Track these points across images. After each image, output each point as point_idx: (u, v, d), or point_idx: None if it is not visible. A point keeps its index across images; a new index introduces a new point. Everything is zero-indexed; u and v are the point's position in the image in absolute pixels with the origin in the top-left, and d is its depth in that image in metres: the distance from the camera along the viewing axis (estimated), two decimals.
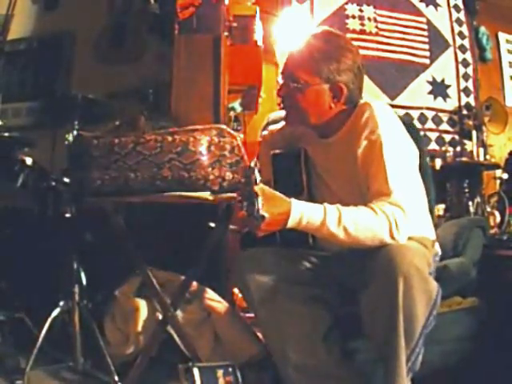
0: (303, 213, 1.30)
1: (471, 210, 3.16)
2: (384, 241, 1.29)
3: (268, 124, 2.28)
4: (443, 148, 3.71)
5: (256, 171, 1.26)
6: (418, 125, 3.63)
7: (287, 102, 1.52)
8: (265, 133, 1.83)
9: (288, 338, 1.43)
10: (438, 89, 3.80)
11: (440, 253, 1.60)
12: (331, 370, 1.41)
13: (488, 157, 3.64)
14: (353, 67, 1.48)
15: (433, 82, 3.80)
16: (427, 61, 3.81)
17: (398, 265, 1.22)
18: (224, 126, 1.66)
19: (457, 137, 3.79)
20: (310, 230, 1.33)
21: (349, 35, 3.67)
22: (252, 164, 1.28)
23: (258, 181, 1.26)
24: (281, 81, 1.55)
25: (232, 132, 1.65)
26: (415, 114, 3.73)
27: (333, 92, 1.48)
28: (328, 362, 1.41)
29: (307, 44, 1.50)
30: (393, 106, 3.76)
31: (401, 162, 1.39)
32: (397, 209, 1.30)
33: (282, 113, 1.59)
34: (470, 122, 3.71)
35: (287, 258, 1.55)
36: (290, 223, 1.30)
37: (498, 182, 3.26)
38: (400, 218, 1.29)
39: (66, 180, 1.87)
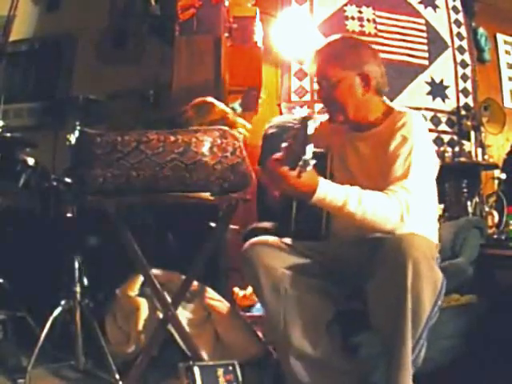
0: (327, 192, 1.37)
1: (469, 209, 3.16)
2: (393, 224, 1.36)
3: (270, 127, 2.31)
4: (442, 148, 3.71)
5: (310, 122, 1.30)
6: None
7: (327, 102, 1.64)
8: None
9: (292, 325, 1.47)
10: (437, 89, 3.80)
11: (440, 259, 1.63)
12: (332, 361, 1.45)
13: (486, 157, 3.63)
14: (374, 60, 1.60)
15: (431, 83, 3.80)
16: (426, 62, 3.80)
17: (407, 250, 1.27)
18: (226, 128, 1.67)
19: (455, 137, 3.78)
20: (331, 208, 1.40)
21: None
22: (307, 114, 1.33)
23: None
24: (317, 86, 1.67)
25: (234, 134, 1.67)
26: None
27: (362, 79, 1.58)
28: (330, 353, 1.45)
29: (328, 47, 1.63)
30: None
31: (423, 169, 1.47)
32: (410, 195, 1.38)
33: (285, 117, 1.68)
34: (469, 123, 3.70)
35: (295, 249, 1.60)
36: (315, 199, 1.37)
37: (497, 181, 3.27)
38: (412, 203, 1.37)
39: (68, 180, 1.88)
